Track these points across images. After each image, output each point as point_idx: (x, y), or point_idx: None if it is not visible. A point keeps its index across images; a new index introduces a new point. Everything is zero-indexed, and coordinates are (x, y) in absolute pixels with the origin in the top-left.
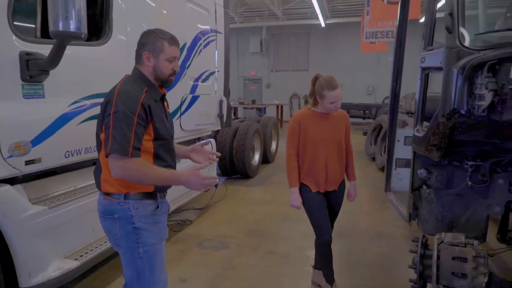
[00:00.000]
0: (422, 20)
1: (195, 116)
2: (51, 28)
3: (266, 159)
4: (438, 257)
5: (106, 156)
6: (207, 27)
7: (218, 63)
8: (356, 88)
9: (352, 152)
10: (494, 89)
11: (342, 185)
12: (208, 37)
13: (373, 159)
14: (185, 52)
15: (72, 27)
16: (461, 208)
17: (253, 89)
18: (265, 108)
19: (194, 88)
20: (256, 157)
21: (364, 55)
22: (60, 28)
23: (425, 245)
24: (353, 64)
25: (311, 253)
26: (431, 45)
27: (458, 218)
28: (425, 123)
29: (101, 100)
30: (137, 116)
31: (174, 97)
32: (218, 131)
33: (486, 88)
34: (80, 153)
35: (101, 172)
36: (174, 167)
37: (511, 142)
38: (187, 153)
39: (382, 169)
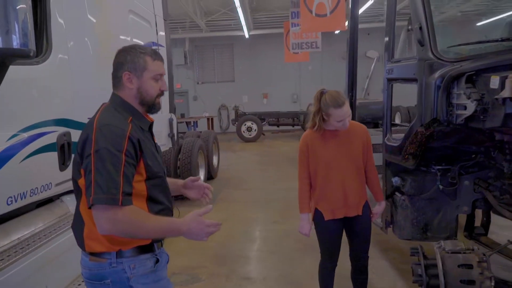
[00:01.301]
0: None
1: None
2: None
3: (210, 175)
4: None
5: (89, 208)
6: (150, 40)
7: None
8: (282, 97)
9: (375, 170)
10: (478, 99)
11: (366, 208)
12: None
13: None
14: None
15: (16, 43)
16: (433, 211)
17: (180, 102)
18: (196, 121)
19: None
20: (202, 174)
21: (287, 64)
22: (0, 45)
23: (424, 256)
24: (277, 74)
25: (289, 272)
26: (393, 57)
27: (431, 221)
28: (394, 134)
29: (48, 129)
30: (124, 154)
31: None
32: (180, 149)
33: (468, 98)
34: (24, 197)
35: (83, 227)
36: (171, 210)
37: (479, 146)
38: (180, 189)
39: None
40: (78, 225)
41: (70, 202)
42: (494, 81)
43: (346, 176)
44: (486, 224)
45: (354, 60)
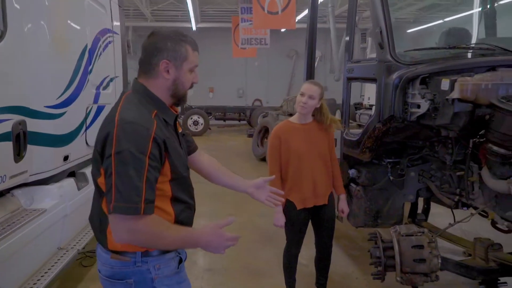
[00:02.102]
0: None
1: None
2: None
3: None
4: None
5: (108, 214)
6: (105, 27)
7: (117, 68)
8: (228, 91)
9: (338, 164)
10: (431, 99)
11: (331, 198)
12: (106, 38)
13: (262, 159)
14: (86, 55)
15: None
16: (384, 200)
17: None
18: None
19: (97, 97)
20: None
21: (234, 59)
22: None
23: (381, 240)
24: (224, 68)
25: (250, 263)
26: (352, 58)
27: (382, 209)
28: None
29: (2, 117)
30: (148, 157)
31: (78, 108)
32: None
33: (423, 98)
34: None
35: (107, 225)
36: (194, 207)
37: (425, 141)
38: (248, 189)
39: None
40: (100, 221)
41: (21, 196)
42: (445, 83)
43: (315, 168)
44: (426, 211)
45: (312, 58)
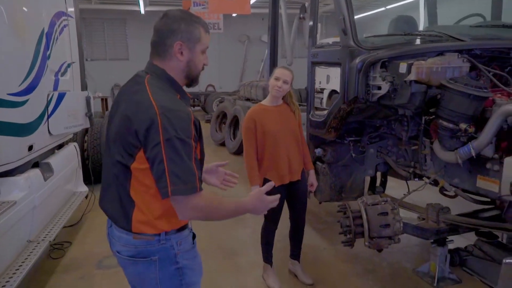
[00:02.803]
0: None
1: (63, 118)
2: None
3: None
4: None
5: (163, 198)
6: (60, 9)
7: (73, 53)
8: None
9: (305, 142)
10: (391, 81)
11: (303, 174)
12: (62, 21)
13: (221, 144)
14: (44, 39)
15: None
16: (347, 176)
17: None
18: None
19: (56, 84)
20: None
21: None
22: None
23: (350, 210)
24: None
25: (224, 242)
26: (316, 44)
27: (345, 184)
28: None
29: None
30: (193, 140)
31: (40, 96)
32: (86, 130)
33: (383, 80)
34: None
35: (132, 210)
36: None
37: (382, 120)
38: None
39: (234, 153)
40: (122, 205)
41: None
42: (403, 67)
43: (289, 146)
44: (383, 183)
45: (275, 44)
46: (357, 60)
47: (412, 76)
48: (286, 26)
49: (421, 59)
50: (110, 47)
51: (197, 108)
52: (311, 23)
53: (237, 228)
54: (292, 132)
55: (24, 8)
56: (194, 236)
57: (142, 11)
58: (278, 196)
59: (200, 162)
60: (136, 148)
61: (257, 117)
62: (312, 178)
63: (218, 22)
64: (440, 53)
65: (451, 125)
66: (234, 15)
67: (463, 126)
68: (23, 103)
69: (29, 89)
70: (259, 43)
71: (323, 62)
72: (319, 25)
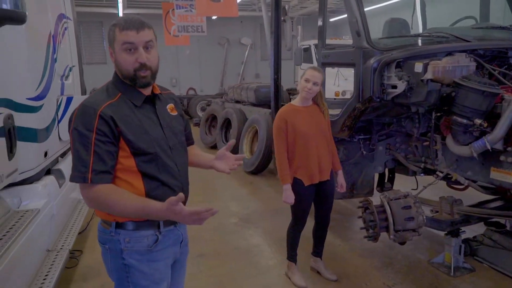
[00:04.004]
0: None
1: None
2: None
3: None
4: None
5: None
6: (61, 12)
7: (73, 57)
8: (160, 81)
9: (334, 142)
10: (407, 80)
11: (332, 174)
12: (63, 24)
13: (212, 147)
14: (51, 42)
15: (7, 4)
16: (358, 173)
17: None
18: None
19: (62, 88)
20: None
21: (164, 48)
22: None
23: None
24: None
25: (239, 244)
26: (325, 46)
27: (356, 181)
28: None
29: None
30: (95, 132)
31: (51, 100)
32: None
33: (400, 79)
34: None
35: None
36: (174, 185)
37: (392, 118)
38: (210, 163)
39: None
40: None
41: (7, 197)
42: (418, 66)
43: (319, 145)
44: (391, 179)
45: (279, 47)
46: (372, 60)
47: (429, 75)
48: (268, 29)
49: (436, 59)
50: (87, 50)
51: None
52: (320, 23)
53: (248, 229)
54: (322, 132)
55: (34, 9)
56: (156, 240)
57: (120, 14)
58: (201, 210)
59: (138, 154)
60: None
61: (288, 117)
62: (341, 178)
63: (202, 24)
64: (449, 53)
65: (465, 121)
66: (214, 17)
67: (478, 121)
68: (39, 107)
69: (44, 94)
70: (238, 45)
71: (335, 63)
72: (299, 27)
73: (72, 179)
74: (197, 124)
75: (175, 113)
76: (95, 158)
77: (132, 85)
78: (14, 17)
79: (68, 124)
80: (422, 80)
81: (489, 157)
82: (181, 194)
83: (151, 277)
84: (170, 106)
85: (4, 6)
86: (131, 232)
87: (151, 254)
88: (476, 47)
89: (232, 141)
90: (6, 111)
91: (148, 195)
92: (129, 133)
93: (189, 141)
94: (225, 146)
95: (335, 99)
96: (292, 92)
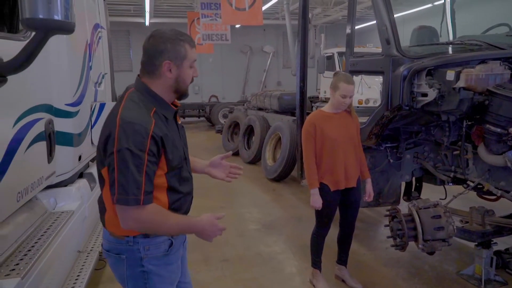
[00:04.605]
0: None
1: None
2: (26, 15)
3: None
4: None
5: (113, 204)
6: (97, 21)
7: (105, 65)
8: None
9: (362, 150)
10: (438, 88)
11: (359, 181)
12: (98, 33)
13: (235, 154)
14: (88, 51)
15: (59, 15)
16: (384, 181)
17: None
18: None
19: (96, 94)
20: None
21: None
22: (42, 16)
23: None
24: None
25: (262, 250)
26: (353, 54)
27: (383, 189)
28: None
29: (38, 115)
30: (147, 153)
31: (86, 106)
32: None
33: (431, 87)
34: (26, 194)
35: (105, 212)
36: (190, 195)
37: (420, 126)
38: (205, 169)
39: (249, 163)
40: (101, 206)
41: (44, 199)
42: (450, 74)
43: (347, 152)
44: (419, 188)
45: (305, 55)
46: (402, 68)
47: (461, 83)
48: (291, 37)
49: (470, 67)
50: (114, 58)
51: (202, 119)
52: (348, 31)
53: (270, 235)
54: (350, 139)
55: (77, 20)
56: (171, 244)
57: (147, 23)
58: (225, 227)
59: (172, 174)
60: (102, 156)
61: (317, 122)
62: (369, 187)
63: (226, 33)
64: (482, 61)
65: (498, 130)
66: (237, 26)
67: None
68: (76, 113)
69: (80, 100)
70: (261, 53)
71: (363, 71)
72: (322, 35)
73: (124, 202)
74: (219, 131)
75: (179, 122)
76: (146, 179)
77: (171, 98)
78: (65, 28)
79: (105, 140)
80: (454, 88)
81: None
82: (223, 214)
83: (168, 279)
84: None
85: (56, 17)
86: (150, 240)
87: (167, 258)
88: (511, 55)
89: (229, 153)
90: (47, 116)
91: (170, 207)
92: (169, 152)
93: None
94: (221, 155)
95: (358, 107)
96: (314, 100)
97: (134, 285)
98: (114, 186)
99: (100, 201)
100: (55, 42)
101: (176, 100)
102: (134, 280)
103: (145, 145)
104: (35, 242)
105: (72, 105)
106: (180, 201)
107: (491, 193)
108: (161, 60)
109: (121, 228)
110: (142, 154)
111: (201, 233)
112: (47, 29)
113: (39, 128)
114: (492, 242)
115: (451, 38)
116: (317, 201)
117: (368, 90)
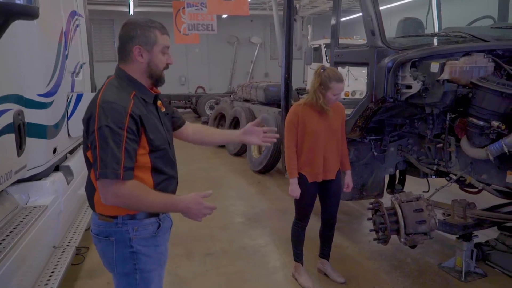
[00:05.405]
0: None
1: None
2: None
3: None
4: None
5: (97, 179)
6: (73, 9)
7: (84, 54)
8: (169, 79)
9: (346, 143)
10: (423, 80)
11: (339, 174)
12: (75, 21)
13: (220, 146)
14: (63, 39)
15: None
16: (368, 174)
17: None
18: None
19: (73, 85)
20: None
21: (174, 46)
22: None
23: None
24: None
25: (246, 244)
26: (338, 45)
27: (366, 182)
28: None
29: (4, 106)
30: (126, 131)
31: (61, 97)
32: None
33: (415, 79)
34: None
35: (94, 192)
36: (175, 178)
37: (405, 119)
38: (240, 137)
39: (235, 155)
40: (89, 189)
41: (15, 193)
42: (434, 66)
43: (327, 146)
44: (402, 181)
45: (290, 45)
46: (387, 60)
47: (445, 75)
48: (278, 28)
49: (453, 59)
50: (98, 48)
51: (188, 110)
52: (333, 22)
53: (255, 228)
54: (333, 132)
55: (49, 6)
56: (159, 226)
57: (131, 12)
58: (214, 206)
59: (153, 151)
60: (86, 138)
61: (301, 113)
62: (348, 178)
63: (212, 23)
64: (467, 53)
65: (481, 123)
66: (224, 16)
67: (495, 123)
68: (49, 104)
69: (54, 90)
70: (248, 44)
71: (348, 62)
72: (309, 27)
73: (104, 175)
74: (205, 122)
75: (163, 110)
76: (126, 155)
77: (148, 84)
78: (27, 12)
79: (86, 121)
80: (438, 81)
81: (506, 161)
82: (210, 191)
83: (157, 261)
84: (159, 102)
85: (17, 1)
86: (139, 221)
87: (155, 239)
88: (495, 47)
89: (260, 119)
90: (16, 107)
91: (156, 187)
92: (150, 132)
93: (181, 120)
94: (253, 122)
95: (344, 99)
96: (301, 92)
97: (123, 267)
98: (97, 162)
99: (88, 185)
100: (24, 30)
101: (155, 88)
102: (123, 261)
103: (124, 123)
104: (3, 240)
105: (45, 95)
106: (164, 182)
107: (473, 186)
108: (132, 45)
109: (108, 207)
110: (121, 131)
111: (187, 212)
112: (7, 14)
113: (7, 119)
114: (473, 235)
115: (436, 30)
116: (295, 190)
117: (355, 82)
